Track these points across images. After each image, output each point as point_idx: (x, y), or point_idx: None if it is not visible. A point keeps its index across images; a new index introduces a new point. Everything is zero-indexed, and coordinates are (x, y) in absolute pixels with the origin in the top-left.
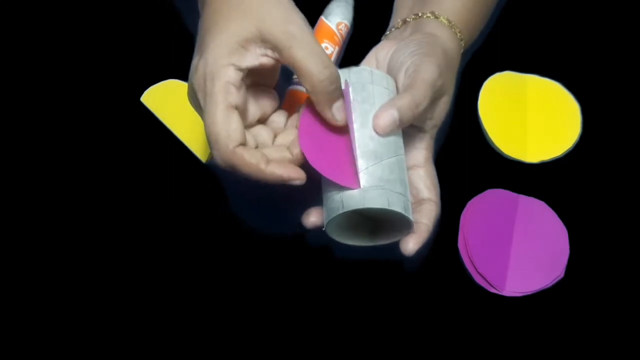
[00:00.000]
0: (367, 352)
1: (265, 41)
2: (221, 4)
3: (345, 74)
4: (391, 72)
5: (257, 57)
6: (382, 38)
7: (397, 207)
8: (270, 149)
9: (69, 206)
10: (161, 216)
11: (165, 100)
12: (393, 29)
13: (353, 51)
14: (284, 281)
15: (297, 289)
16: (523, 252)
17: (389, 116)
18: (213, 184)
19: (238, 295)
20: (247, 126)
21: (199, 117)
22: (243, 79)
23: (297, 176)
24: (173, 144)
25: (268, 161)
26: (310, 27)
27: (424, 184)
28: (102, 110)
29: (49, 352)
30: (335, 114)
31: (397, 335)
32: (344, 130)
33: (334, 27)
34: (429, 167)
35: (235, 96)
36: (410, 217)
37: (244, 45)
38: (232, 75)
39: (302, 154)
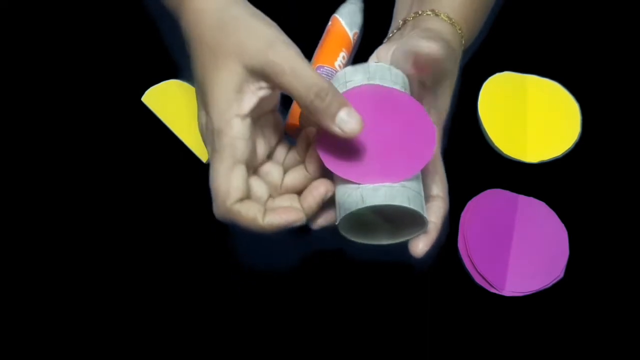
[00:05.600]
0: (366, 352)
1: (254, 76)
2: (203, 51)
3: (365, 69)
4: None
5: (255, 94)
6: (384, 40)
7: (416, 207)
8: (279, 199)
9: (69, 206)
10: (161, 216)
11: (166, 100)
12: (395, 31)
13: (355, 53)
14: (286, 281)
15: (297, 288)
16: (523, 252)
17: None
18: None
19: (241, 295)
20: (258, 165)
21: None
22: (250, 123)
23: (295, 219)
24: (173, 144)
25: (265, 212)
26: (291, 45)
27: (432, 179)
28: (103, 110)
29: (48, 351)
30: (342, 126)
31: (397, 335)
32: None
33: (351, 37)
34: (436, 161)
35: (243, 150)
36: (427, 217)
37: (239, 89)
38: (237, 128)
39: (318, 163)
